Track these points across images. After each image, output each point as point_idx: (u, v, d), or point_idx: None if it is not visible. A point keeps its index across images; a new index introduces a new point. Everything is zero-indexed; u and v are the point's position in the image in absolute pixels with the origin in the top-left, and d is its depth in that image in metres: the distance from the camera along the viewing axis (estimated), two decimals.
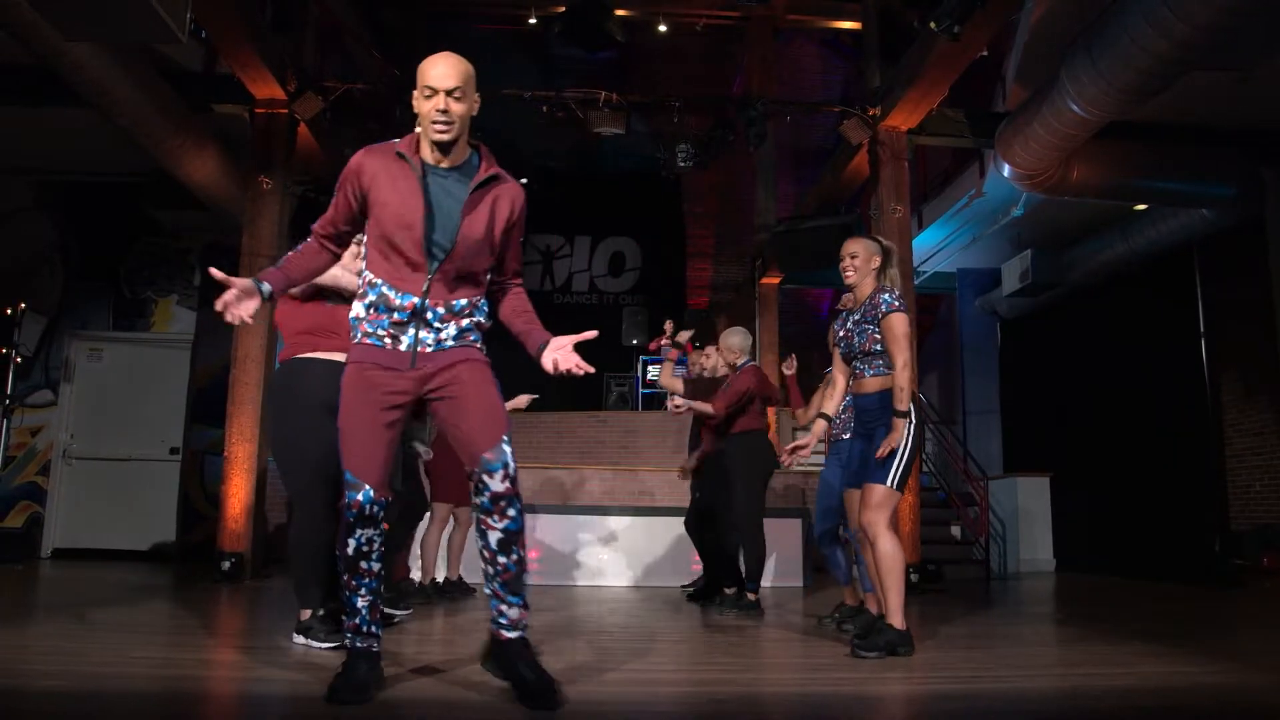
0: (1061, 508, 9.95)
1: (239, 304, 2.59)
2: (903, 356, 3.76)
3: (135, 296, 9.45)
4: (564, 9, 9.68)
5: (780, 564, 7.63)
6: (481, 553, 2.63)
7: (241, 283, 2.59)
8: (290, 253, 2.77)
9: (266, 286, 2.64)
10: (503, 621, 2.62)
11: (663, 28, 10.75)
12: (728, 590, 5.57)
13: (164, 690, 2.83)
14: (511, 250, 2.80)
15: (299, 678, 3.00)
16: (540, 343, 2.72)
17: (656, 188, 13.48)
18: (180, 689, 2.86)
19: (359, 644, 2.65)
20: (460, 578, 6.14)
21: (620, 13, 9.74)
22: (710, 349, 6.06)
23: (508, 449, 2.58)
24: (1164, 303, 9.53)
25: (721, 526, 5.65)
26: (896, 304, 3.84)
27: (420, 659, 3.34)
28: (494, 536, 2.57)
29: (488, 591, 2.66)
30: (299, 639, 3.54)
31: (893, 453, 3.70)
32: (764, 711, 2.87)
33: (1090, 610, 6.35)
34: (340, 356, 3.58)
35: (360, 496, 2.58)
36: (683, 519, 6.30)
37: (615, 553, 7.65)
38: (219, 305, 2.58)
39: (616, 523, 7.71)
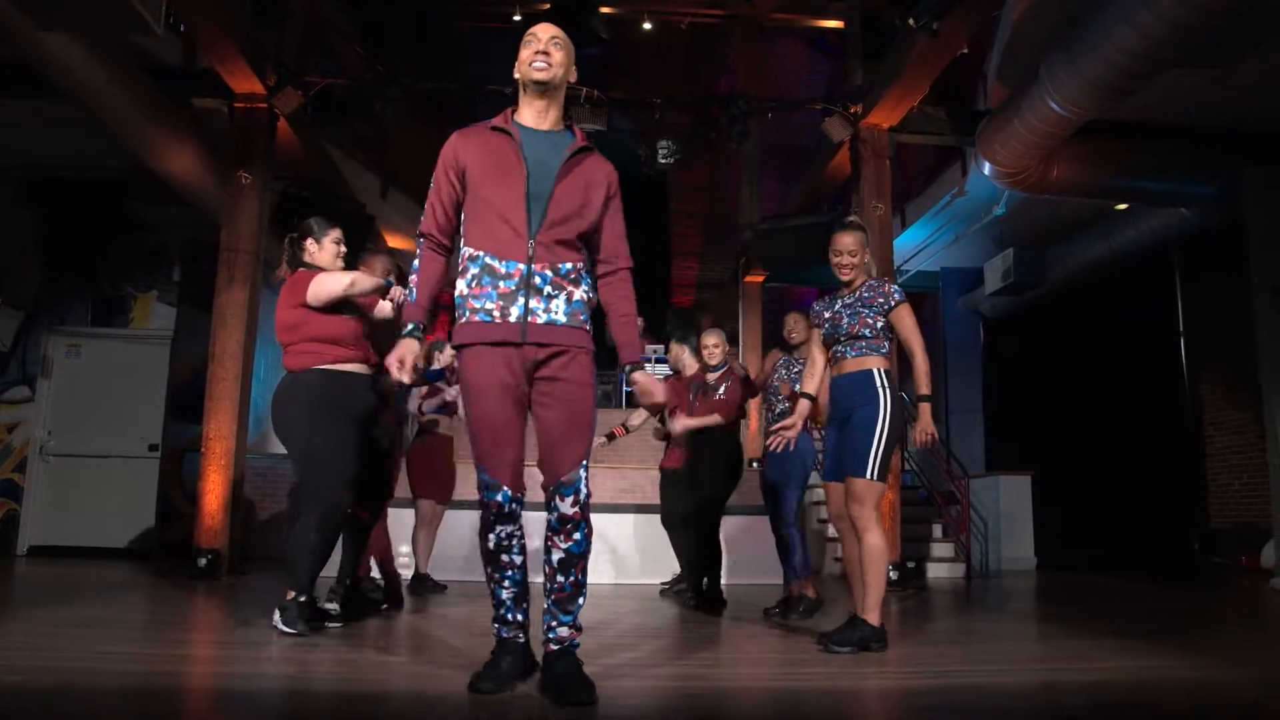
0: (1043, 506, 9.98)
1: (409, 360, 2.64)
2: (920, 342, 3.81)
3: (115, 292, 9.37)
4: (548, 6, 9.64)
5: (756, 562, 7.62)
6: (544, 568, 2.69)
7: (407, 346, 2.63)
8: (412, 276, 2.74)
9: (417, 326, 2.68)
10: (550, 636, 2.66)
11: (647, 25, 10.71)
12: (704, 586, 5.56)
13: (130, 685, 2.79)
14: (611, 226, 2.78)
15: (271, 671, 2.98)
16: (623, 365, 2.83)
17: (642, 186, 13.45)
18: (147, 684, 2.82)
19: (505, 633, 2.69)
20: (428, 574, 6.17)
21: (605, 10, 9.72)
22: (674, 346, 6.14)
23: (583, 473, 2.63)
24: (1145, 302, 9.59)
25: (706, 524, 5.64)
26: (903, 296, 3.89)
27: (389, 656, 3.32)
28: (556, 555, 2.64)
29: (544, 605, 2.69)
30: (276, 615, 3.67)
31: (870, 443, 3.67)
32: (733, 706, 2.86)
33: (1068, 608, 6.37)
34: (351, 367, 3.87)
35: (499, 497, 2.60)
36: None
37: (597, 549, 7.62)
38: (399, 377, 2.62)
39: (598, 520, 7.67)
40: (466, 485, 8.39)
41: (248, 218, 7.32)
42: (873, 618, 3.67)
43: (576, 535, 2.63)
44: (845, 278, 3.97)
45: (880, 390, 3.72)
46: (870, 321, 3.83)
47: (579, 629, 2.71)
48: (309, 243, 3.99)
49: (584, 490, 2.63)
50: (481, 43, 11.56)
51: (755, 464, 9.94)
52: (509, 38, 11.18)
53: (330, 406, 3.76)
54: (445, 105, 9.98)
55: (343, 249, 4.04)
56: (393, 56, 9.99)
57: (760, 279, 11.41)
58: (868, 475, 3.66)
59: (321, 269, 3.94)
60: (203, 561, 6.74)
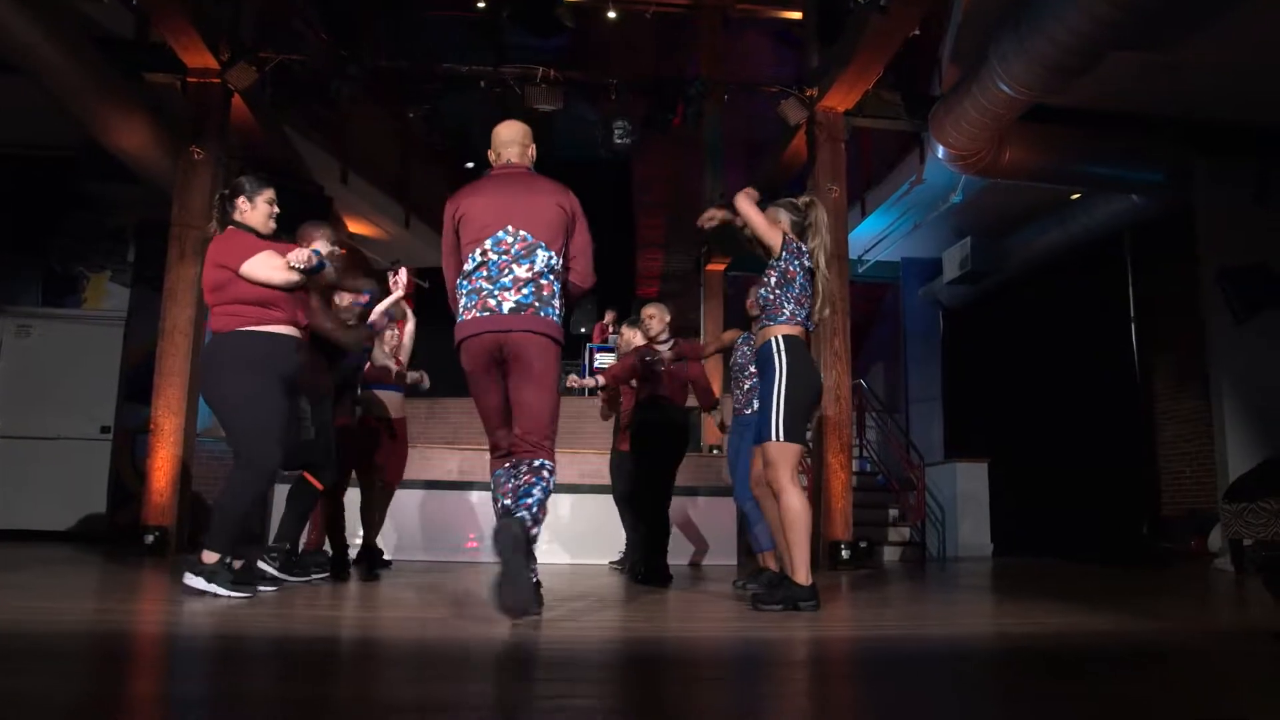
0: (1000, 493, 10.06)
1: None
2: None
3: (67, 272, 9.25)
4: None
5: (714, 543, 7.66)
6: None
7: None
8: None
9: None
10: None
11: (612, 14, 10.72)
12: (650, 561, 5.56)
13: (60, 631, 2.76)
14: None
15: (203, 622, 2.95)
16: None
17: (607, 177, 13.54)
18: (67, 630, 2.79)
19: None
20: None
21: None
22: (626, 330, 6.20)
23: None
24: (1098, 291, 9.72)
25: (659, 500, 5.66)
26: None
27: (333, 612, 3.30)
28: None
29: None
30: (198, 580, 3.51)
31: (771, 408, 3.72)
32: (656, 649, 2.86)
33: (1013, 582, 6.43)
34: (283, 329, 3.78)
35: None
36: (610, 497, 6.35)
37: (552, 530, 7.64)
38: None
39: (560, 501, 7.71)
40: (428, 468, 8.46)
41: (200, 193, 7.22)
42: (800, 577, 3.67)
43: None
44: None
45: (777, 357, 3.76)
46: (764, 283, 3.88)
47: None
48: (241, 200, 3.87)
49: None
50: (449, 31, 11.53)
51: (715, 450, 9.98)
52: (476, 27, 11.19)
53: (256, 366, 3.68)
54: (408, 93, 9.94)
55: (275, 210, 3.93)
56: (356, 44, 9.94)
57: (721, 267, 11.44)
58: (774, 437, 3.72)
59: (253, 229, 3.84)
60: (150, 539, 6.65)
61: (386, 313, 4.90)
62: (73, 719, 1.62)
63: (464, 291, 3.36)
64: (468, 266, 3.36)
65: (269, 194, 3.94)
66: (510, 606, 2.96)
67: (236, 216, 3.88)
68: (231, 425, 3.72)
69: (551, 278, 3.37)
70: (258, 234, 3.86)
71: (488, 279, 3.31)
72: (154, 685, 2.06)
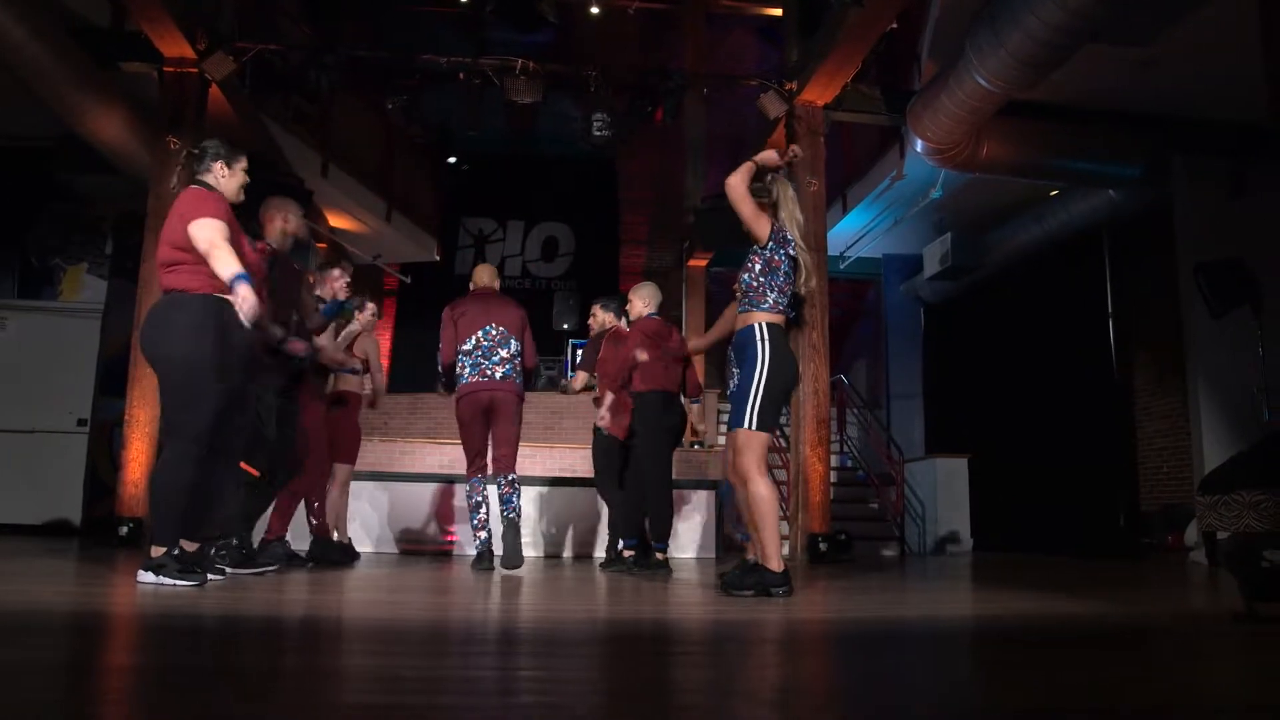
0: (980, 488, 10.09)
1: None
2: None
3: (43, 264, 9.16)
4: None
5: (692, 536, 7.66)
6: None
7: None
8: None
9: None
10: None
11: (595, 10, 10.71)
12: (627, 553, 5.53)
13: (28, 611, 2.74)
14: None
15: (154, 603, 2.93)
16: None
17: (591, 174, 13.54)
18: (26, 608, 2.77)
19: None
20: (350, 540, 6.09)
21: None
22: (596, 308, 6.19)
23: None
24: (1077, 286, 9.75)
25: (629, 484, 5.64)
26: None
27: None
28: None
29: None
30: (148, 576, 3.43)
31: (747, 397, 3.68)
32: (614, 630, 2.86)
33: (988, 573, 6.46)
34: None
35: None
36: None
37: (535, 523, 7.63)
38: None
39: (534, 492, 7.70)
40: (410, 461, 8.43)
41: (177, 184, 7.18)
42: (772, 564, 3.65)
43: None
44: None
45: (760, 345, 3.71)
46: (748, 268, 3.87)
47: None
48: (219, 165, 3.72)
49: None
50: (432, 26, 11.49)
51: (696, 446, 9.97)
52: (459, 22, 11.15)
53: (217, 335, 3.48)
54: (387, 85, 9.90)
55: (248, 180, 3.84)
56: (336, 36, 9.90)
57: (704, 263, 11.45)
58: (745, 425, 3.68)
59: (222, 194, 3.69)
60: (124, 530, 6.61)
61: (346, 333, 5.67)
62: (53, 681, 1.63)
63: (466, 364, 5.29)
64: (466, 346, 5.30)
65: (245, 163, 3.86)
66: (513, 563, 5.01)
67: (209, 179, 3.71)
68: (173, 394, 3.51)
69: (520, 359, 5.37)
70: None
71: (483, 356, 5.27)
72: (122, 656, 2.06)
